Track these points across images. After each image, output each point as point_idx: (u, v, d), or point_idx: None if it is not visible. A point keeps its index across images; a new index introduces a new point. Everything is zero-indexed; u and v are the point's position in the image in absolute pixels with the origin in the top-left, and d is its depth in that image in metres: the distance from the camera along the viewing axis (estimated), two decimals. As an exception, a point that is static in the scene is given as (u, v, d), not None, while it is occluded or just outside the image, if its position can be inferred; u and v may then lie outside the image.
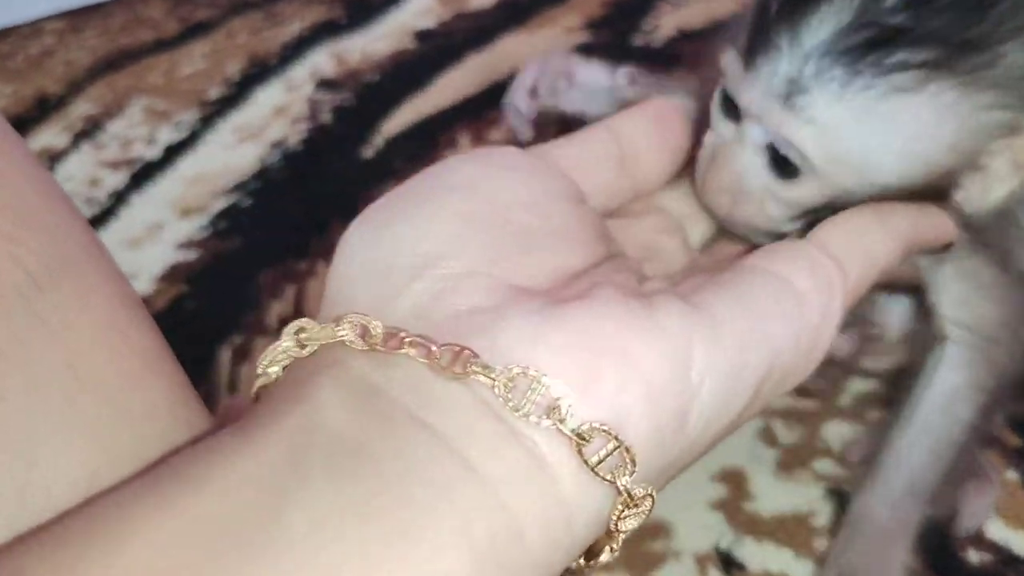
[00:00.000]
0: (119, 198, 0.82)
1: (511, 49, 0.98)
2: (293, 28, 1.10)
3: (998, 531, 0.48)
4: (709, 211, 0.33)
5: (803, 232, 0.30)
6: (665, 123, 0.31)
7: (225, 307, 0.69)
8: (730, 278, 0.24)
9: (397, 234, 0.23)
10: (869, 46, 0.27)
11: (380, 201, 0.25)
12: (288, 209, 0.78)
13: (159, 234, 0.77)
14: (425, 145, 0.83)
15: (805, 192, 0.30)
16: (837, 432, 0.52)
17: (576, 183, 0.27)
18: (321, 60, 1.02)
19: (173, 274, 0.73)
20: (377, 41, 1.05)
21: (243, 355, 0.64)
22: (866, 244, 0.27)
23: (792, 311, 0.24)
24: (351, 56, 1.02)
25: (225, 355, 0.64)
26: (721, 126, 0.32)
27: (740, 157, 0.31)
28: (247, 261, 0.73)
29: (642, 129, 0.30)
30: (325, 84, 0.97)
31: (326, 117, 0.91)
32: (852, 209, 0.29)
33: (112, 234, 0.77)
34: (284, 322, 0.65)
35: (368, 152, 0.84)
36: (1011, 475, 0.50)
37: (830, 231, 0.27)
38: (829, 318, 0.25)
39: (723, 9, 0.97)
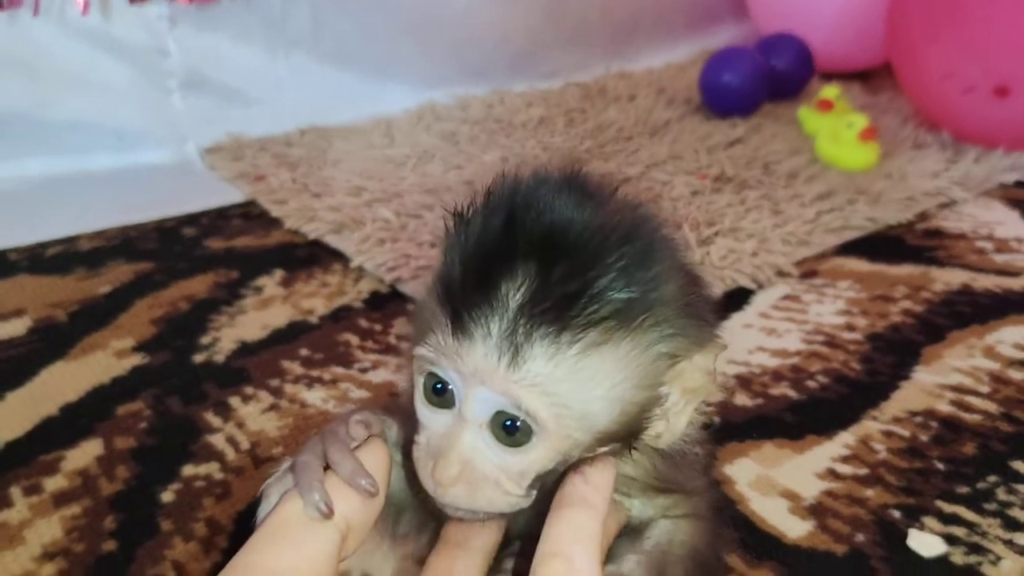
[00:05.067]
0: None
1: (57, 380, 0.90)
2: None
3: None
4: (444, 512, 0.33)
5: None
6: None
7: None
8: None
9: None
10: (562, 307, 0.30)
11: None
12: None
13: None
14: (-32, 509, 0.71)
15: (537, 456, 0.31)
16: None
17: None
18: None
19: None
20: None
21: None
22: None
23: None
24: None
25: None
26: (434, 419, 0.32)
27: (465, 441, 0.31)
28: None
29: (354, 506, 0.33)
30: None
31: None
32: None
33: None
34: None
35: None
36: None
37: None
38: None
39: (278, 319, 1.01)
